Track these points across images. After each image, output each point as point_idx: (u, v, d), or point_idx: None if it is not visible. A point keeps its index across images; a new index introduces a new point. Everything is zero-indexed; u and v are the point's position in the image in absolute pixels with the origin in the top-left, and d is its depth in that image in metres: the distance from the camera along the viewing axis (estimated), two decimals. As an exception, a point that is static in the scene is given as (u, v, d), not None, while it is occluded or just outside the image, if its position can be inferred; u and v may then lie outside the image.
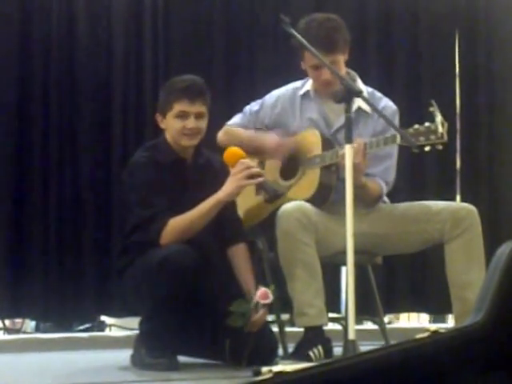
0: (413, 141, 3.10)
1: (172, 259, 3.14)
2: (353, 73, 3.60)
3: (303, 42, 3.18)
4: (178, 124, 3.35)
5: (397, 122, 3.57)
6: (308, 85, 3.64)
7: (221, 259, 3.47)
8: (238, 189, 3.31)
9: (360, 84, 3.56)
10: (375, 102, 3.50)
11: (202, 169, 3.48)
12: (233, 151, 3.40)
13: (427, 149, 3.14)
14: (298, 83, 3.70)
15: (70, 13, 4.53)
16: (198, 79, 3.43)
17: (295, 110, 3.64)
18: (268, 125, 3.72)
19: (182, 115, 3.35)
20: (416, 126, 3.17)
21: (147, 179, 3.34)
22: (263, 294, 3.26)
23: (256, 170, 3.33)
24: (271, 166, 3.66)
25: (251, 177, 3.30)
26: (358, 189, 3.38)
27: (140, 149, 3.50)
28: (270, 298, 3.27)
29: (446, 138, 3.11)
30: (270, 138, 3.60)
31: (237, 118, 3.79)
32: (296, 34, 3.17)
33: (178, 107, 3.35)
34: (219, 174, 3.44)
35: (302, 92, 3.64)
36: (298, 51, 3.51)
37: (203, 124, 3.39)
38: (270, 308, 3.56)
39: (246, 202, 3.68)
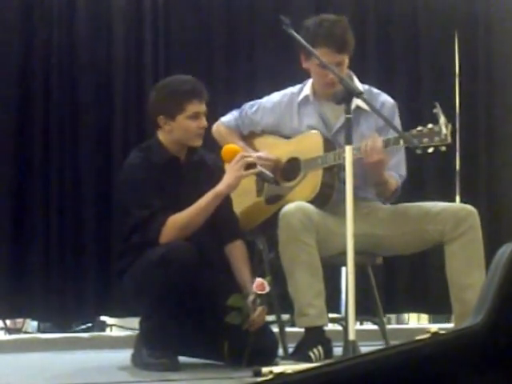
0: (414, 141, 3.10)
1: (172, 254, 3.15)
2: (349, 72, 3.61)
3: (304, 43, 3.18)
4: (192, 125, 3.37)
5: (397, 115, 3.58)
6: (307, 89, 3.64)
7: (219, 258, 3.48)
8: (236, 180, 3.33)
9: (357, 83, 3.56)
10: (373, 99, 3.51)
11: (196, 167, 3.49)
12: (230, 148, 3.45)
13: (430, 150, 3.14)
14: (295, 88, 3.70)
15: (70, 12, 4.53)
16: (194, 78, 3.44)
17: (293, 117, 3.64)
18: (265, 130, 3.73)
19: (196, 116, 3.36)
20: (419, 128, 3.17)
21: (143, 179, 3.36)
22: (260, 285, 3.26)
23: (252, 160, 3.36)
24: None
25: (249, 167, 3.32)
26: (381, 185, 3.41)
27: (134, 150, 3.51)
28: (267, 289, 3.27)
29: (449, 139, 3.12)
30: (260, 154, 3.61)
31: (232, 117, 3.80)
32: (296, 34, 3.17)
33: (191, 108, 3.36)
34: (213, 172, 3.47)
35: (300, 98, 3.64)
36: (301, 50, 3.50)
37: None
38: (271, 308, 3.56)
39: (248, 205, 3.69)
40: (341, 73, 3.39)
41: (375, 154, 3.24)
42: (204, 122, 3.40)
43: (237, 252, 3.50)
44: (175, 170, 3.44)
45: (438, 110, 3.10)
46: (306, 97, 3.62)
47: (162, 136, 3.45)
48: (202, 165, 3.51)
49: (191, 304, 3.27)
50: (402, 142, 3.24)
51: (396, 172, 3.55)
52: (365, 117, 3.54)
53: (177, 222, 3.29)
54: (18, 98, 4.45)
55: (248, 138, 3.79)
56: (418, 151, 3.17)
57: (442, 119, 3.10)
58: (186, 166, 3.47)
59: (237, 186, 3.39)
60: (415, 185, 4.70)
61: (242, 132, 3.79)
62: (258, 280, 3.28)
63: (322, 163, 3.47)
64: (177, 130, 3.40)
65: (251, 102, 3.79)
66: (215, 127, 3.80)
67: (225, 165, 3.51)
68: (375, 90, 3.63)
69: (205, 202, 3.32)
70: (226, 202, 3.45)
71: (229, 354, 3.32)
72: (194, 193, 3.35)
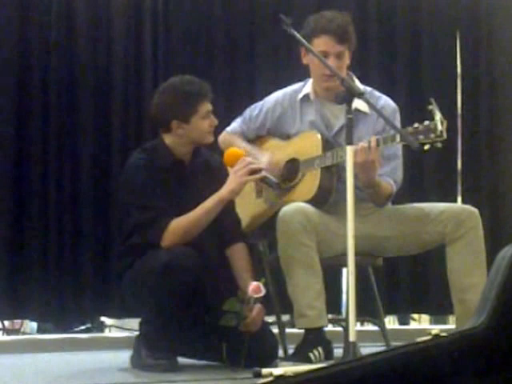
0: (412, 140, 3.09)
1: (176, 262, 3.13)
2: (350, 74, 3.60)
3: (304, 42, 3.17)
4: (205, 123, 3.38)
5: (397, 119, 3.57)
6: (307, 87, 3.63)
7: (221, 260, 3.47)
8: (240, 185, 3.31)
9: (358, 84, 3.55)
10: (374, 102, 3.49)
11: (201, 170, 3.47)
12: (232, 152, 3.42)
13: (426, 147, 3.13)
14: (297, 86, 3.69)
15: (69, 11, 4.52)
16: (197, 78, 3.43)
17: (295, 114, 3.63)
18: (269, 130, 3.72)
19: (208, 115, 3.39)
20: (415, 125, 3.16)
21: (146, 181, 3.33)
22: (255, 288, 3.24)
23: (256, 165, 3.34)
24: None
25: (252, 173, 3.31)
26: (372, 188, 3.39)
27: (136, 151, 3.48)
28: (262, 292, 3.25)
29: (445, 135, 3.10)
30: (263, 157, 3.59)
31: (236, 124, 3.79)
32: (296, 34, 3.15)
33: (204, 108, 3.36)
34: (218, 175, 3.44)
35: (301, 95, 3.63)
36: (301, 46, 3.47)
37: None
38: (271, 308, 3.55)
39: (247, 206, 3.68)
40: (341, 68, 3.39)
41: (369, 155, 3.21)
42: (215, 120, 3.42)
43: (238, 255, 3.48)
44: (179, 172, 3.42)
45: (433, 106, 3.08)
46: (307, 95, 3.61)
47: (168, 139, 3.41)
48: (207, 167, 3.50)
49: (192, 307, 3.25)
50: (398, 138, 3.21)
51: (391, 178, 3.53)
52: (363, 120, 3.52)
53: (179, 225, 3.27)
54: (17, 99, 4.44)
55: (253, 142, 3.77)
56: (414, 148, 3.15)
57: (438, 116, 3.08)
58: (190, 169, 3.46)
59: (240, 191, 3.36)
60: (416, 185, 4.69)
61: (248, 137, 3.77)
62: (254, 283, 3.26)
63: (319, 163, 3.46)
64: (191, 132, 3.38)
65: (252, 106, 3.77)
66: (221, 137, 3.78)
67: (230, 169, 3.49)
68: (377, 93, 3.62)
69: (207, 206, 3.30)
70: (228, 204, 3.43)
71: (228, 356, 3.31)
72: (198, 195, 3.33)
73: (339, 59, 3.40)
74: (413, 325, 5.56)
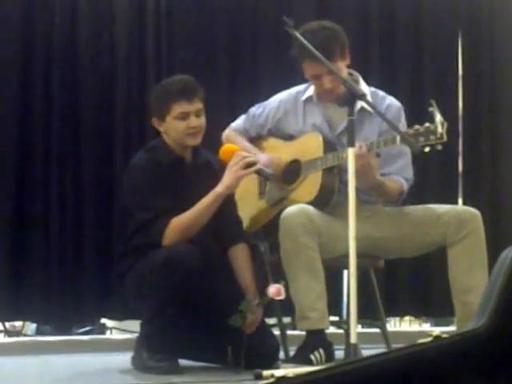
0: (412, 142, 3.08)
1: (176, 257, 3.14)
2: (356, 74, 3.59)
3: (306, 44, 3.16)
4: (181, 125, 3.35)
5: (403, 119, 3.57)
6: (311, 90, 3.62)
7: (222, 261, 3.47)
8: (236, 180, 3.31)
9: (363, 85, 3.55)
10: (378, 102, 3.50)
11: (202, 169, 3.48)
12: (227, 148, 3.43)
13: (427, 149, 3.12)
14: (301, 87, 3.69)
15: (72, 10, 4.52)
16: (189, 77, 3.43)
17: (298, 115, 3.63)
18: (271, 130, 3.72)
19: (183, 116, 3.35)
20: (416, 127, 3.15)
21: (147, 181, 3.34)
22: (276, 291, 3.23)
23: (251, 159, 3.34)
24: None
25: (247, 166, 3.31)
26: (376, 189, 3.38)
27: (139, 151, 3.50)
28: (283, 294, 3.25)
29: (445, 137, 3.09)
30: (262, 157, 3.58)
31: (240, 121, 3.81)
32: (298, 35, 3.15)
33: (177, 109, 3.34)
34: (219, 174, 3.44)
35: (304, 97, 3.63)
36: (297, 62, 3.49)
37: (203, 120, 3.41)
38: (272, 310, 3.55)
39: (250, 207, 3.68)
40: (334, 80, 3.37)
41: (358, 160, 3.20)
42: (194, 122, 3.36)
43: (240, 255, 3.48)
44: (180, 171, 3.43)
45: (433, 108, 3.07)
46: (311, 97, 3.61)
47: (165, 137, 3.45)
48: (208, 166, 3.50)
49: (194, 307, 3.25)
50: (398, 140, 3.20)
51: (401, 176, 3.52)
52: (369, 119, 3.52)
53: (178, 224, 3.27)
54: (19, 99, 4.44)
55: (255, 140, 3.77)
56: (414, 151, 3.14)
57: (438, 118, 3.08)
58: (191, 168, 3.46)
59: (237, 186, 3.37)
60: (418, 187, 4.66)
61: (250, 134, 3.78)
62: (275, 286, 3.25)
63: (321, 164, 3.46)
64: (169, 131, 3.40)
65: (258, 104, 3.78)
66: (225, 132, 3.80)
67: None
68: (381, 93, 3.62)
69: (205, 203, 3.31)
70: (230, 204, 3.44)
71: (232, 357, 3.30)
72: (199, 194, 3.33)
73: (329, 75, 3.38)
74: (414, 327, 5.55)
